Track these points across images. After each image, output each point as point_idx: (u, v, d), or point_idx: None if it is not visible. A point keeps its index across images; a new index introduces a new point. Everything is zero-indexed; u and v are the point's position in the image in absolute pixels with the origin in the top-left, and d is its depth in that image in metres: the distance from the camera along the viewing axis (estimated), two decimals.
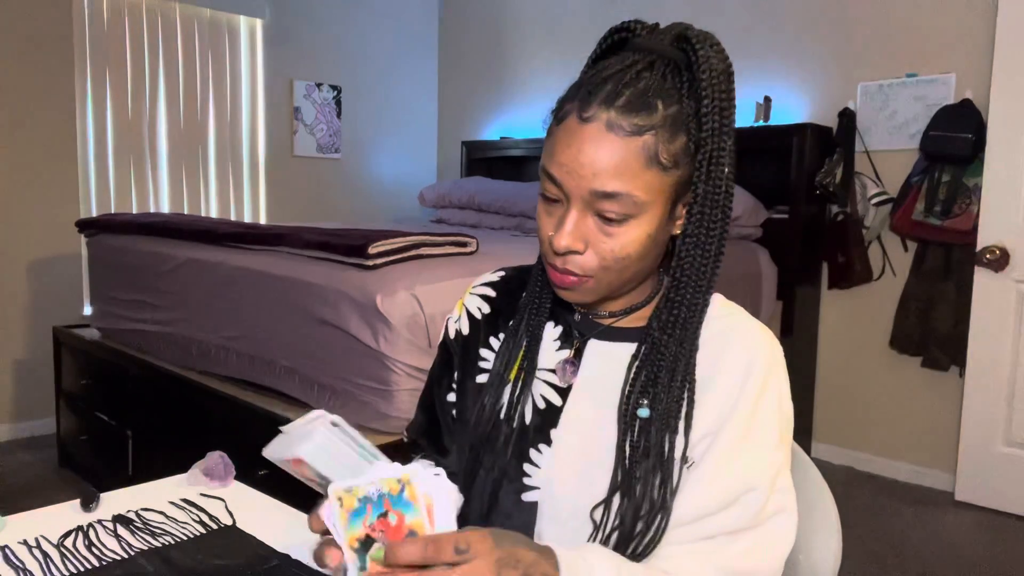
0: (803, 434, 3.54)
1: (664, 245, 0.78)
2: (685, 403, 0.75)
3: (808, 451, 3.55)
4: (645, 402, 0.76)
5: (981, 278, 2.95)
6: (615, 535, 0.74)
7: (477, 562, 0.57)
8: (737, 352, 0.76)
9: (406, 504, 0.57)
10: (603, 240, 0.73)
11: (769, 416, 0.75)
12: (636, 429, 0.76)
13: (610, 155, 0.70)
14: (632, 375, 0.78)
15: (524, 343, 0.85)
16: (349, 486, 0.58)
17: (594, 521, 0.75)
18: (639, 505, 0.74)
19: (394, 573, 0.57)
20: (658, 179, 0.72)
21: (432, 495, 0.58)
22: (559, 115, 0.75)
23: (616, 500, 0.75)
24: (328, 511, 0.59)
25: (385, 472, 0.58)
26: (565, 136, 0.73)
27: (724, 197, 0.75)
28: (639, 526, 0.74)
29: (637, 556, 0.75)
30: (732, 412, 0.74)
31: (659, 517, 0.73)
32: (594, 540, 0.75)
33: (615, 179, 0.70)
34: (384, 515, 0.58)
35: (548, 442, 0.81)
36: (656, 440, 0.75)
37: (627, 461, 0.75)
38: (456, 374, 0.93)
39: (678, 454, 0.75)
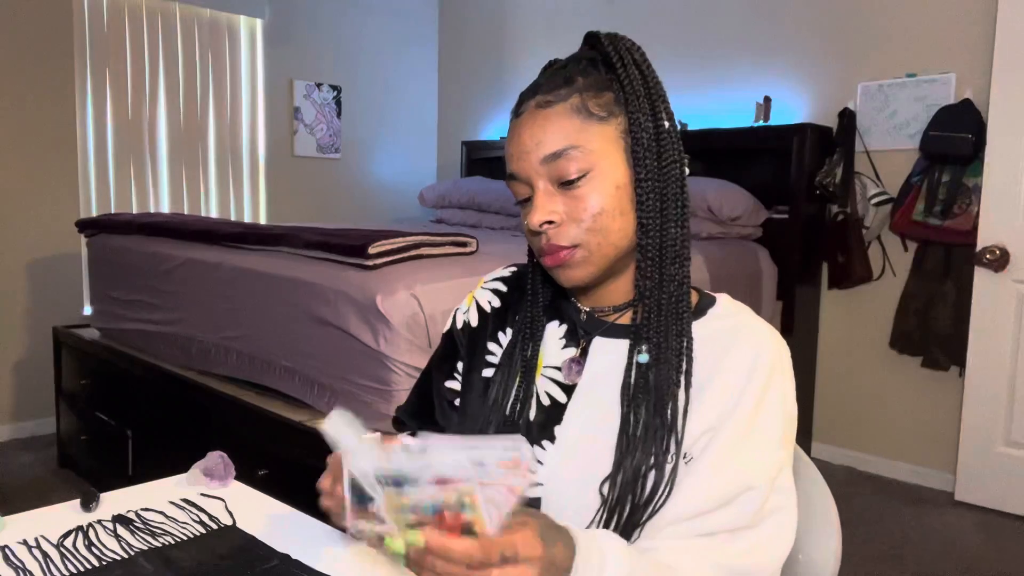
0: (803, 434, 3.54)
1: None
2: (684, 360, 0.77)
3: (808, 451, 3.55)
4: (644, 348, 0.78)
5: (981, 278, 2.95)
6: (619, 504, 0.75)
7: (523, 567, 0.58)
8: (743, 350, 0.77)
9: (465, 508, 0.56)
10: (575, 205, 0.77)
11: (772, 415, 0.76)
12: (640, 389, 0.77)
13: (545, 123, 0.77)
14: (632, 336, 0.80)
15: (524, 353, 0.86)
16: (399, 492, 0.57)
17: (602, 495, 0.76)
18: (643, 463, 0.74)
19: (430, 559, 0.56)
20: (598, 128, 0.77)
21: (494, 503, 0.56)
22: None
23: (622, 472, 0.75)
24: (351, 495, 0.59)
25: (441, 487, 0.56)
26: (509, 137, 0.81)
27: (672, 148, 0.79)
28: (643, 488, 0.74)
29: (640, 522, 0.75)
30: (734, 409, 0.75)
31: (664, 476, 0.74)
32: (601, 513, 0.76)
33: (557, 139, 0.76)
34: (439, 513, 0.57)
35: (552, 439, 0.82)
36: (656, 388, 0.76)
37: (631, 422, 0.76)
38: (461, 364, 0.94)
39: (680, 407, 0.76)
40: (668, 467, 0.74)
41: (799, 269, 3.39)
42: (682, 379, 0.76)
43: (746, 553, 0.72)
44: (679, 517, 0.73)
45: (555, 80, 0.79)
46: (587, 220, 0.77)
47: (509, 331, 0.91)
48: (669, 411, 0.75)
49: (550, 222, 0.77)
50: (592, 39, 0.82)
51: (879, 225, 3.29)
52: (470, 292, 0.98)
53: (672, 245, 0.79)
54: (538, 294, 0.88)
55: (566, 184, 0.76)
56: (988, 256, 2.90)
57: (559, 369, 0.85)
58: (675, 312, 0.78)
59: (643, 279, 0.79)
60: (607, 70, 0.79)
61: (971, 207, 2.99)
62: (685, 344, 0.78)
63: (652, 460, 0.74)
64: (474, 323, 0.94)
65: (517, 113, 0.81)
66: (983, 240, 2.92)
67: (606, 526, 0.75)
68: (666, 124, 0.79)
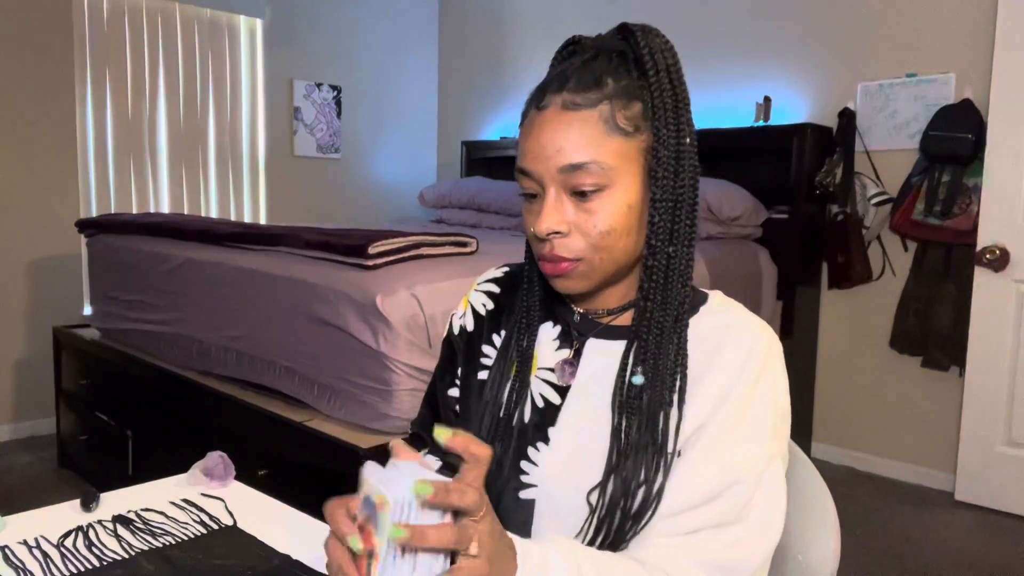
0: (803, 434, 3.54)
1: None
2: (679, 378, 0.76)
3: (808, 451, 3.55)
4: (639, 370, 0.77)
5: (981, 278, 2.95)
6: (609, 515, 0.74)
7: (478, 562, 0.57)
8: (734, 346, 0.77)
9: (378, 524, 0.56)
10: (584, 219, 0.75)
11: (762, 409, 0.75)
12: (632, 403, 0.76)
13: (569, 129, 0.74)
14: (626, 349, 0.79)
15: (521, 344, 0.86)
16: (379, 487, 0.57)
17: (590, 504, 0.76)
18: (632, 478, 0.74)
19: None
20: (622, 144, 0.75)
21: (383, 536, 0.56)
22: (522, 118, 0.80)
23: (611, 482, 0.75)
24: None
25: (384, 484, 0.56)
26: (527, 129, 0.78)
27: (689, 165, 0.77)
28: (635, 502, 0.73)
29: (628, 537, 0.74)
30: (724, 403, 0.74)
31: (655, 493, 0.73)
32: (589, 523, 0.75)
33: (579, 150, 0.74)
34: (367, 519, 0.57)
35: (546, 440, 0.82)
36: (649, 409, 0.75)
37: (623, 436, 0.75)
38: (460, 370, 0.93)
39: (672, 425, 0.75)
40: (656, 485, 0.74)
41: (799, 269, 3.39)
42: (675, 398, 0.76)
43: (730, 547, 0.72)
44: (666, 513, 0.73)
45: (584, 78, 0.75)
46: (594, 236, 0.75)
47: (504, 332, 0.90)
48: (660, 429, 0.75)
49: (557, 232, 0.76)
50: (624, 31, 0.78)
51: (879, 225, 3.29)
52: (464, 295, 0.97)
53: (678, 265, 0.77)
54: (534, 285, 0.87)
55: (578, 195, 0.75)
56: (988, 256, 2.90)
57: (553, 371, 0.84)
58: (674, 331, 0.77)
59: (645, 300, 0.77)
60: (638, 73, 0.76)
61: (971, 207, 2.99)
62: (680, 362, 0.77)
63: (642, 476, 0.74)
64: (470, 327, 0.93)
65: (539, 106, 0.77)
66: (983, 240, 2.92)
67: (595, 534, 0.75)
68: (687, 140, 0.76)
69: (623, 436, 0.76)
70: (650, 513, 0.74)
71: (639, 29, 0.77)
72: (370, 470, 0.59)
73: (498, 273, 0.96)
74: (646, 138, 0.76)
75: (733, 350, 0.76)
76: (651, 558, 0.72)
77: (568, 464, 0.80)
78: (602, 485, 0.75)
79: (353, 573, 0.58)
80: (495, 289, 0.94)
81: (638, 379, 0.77)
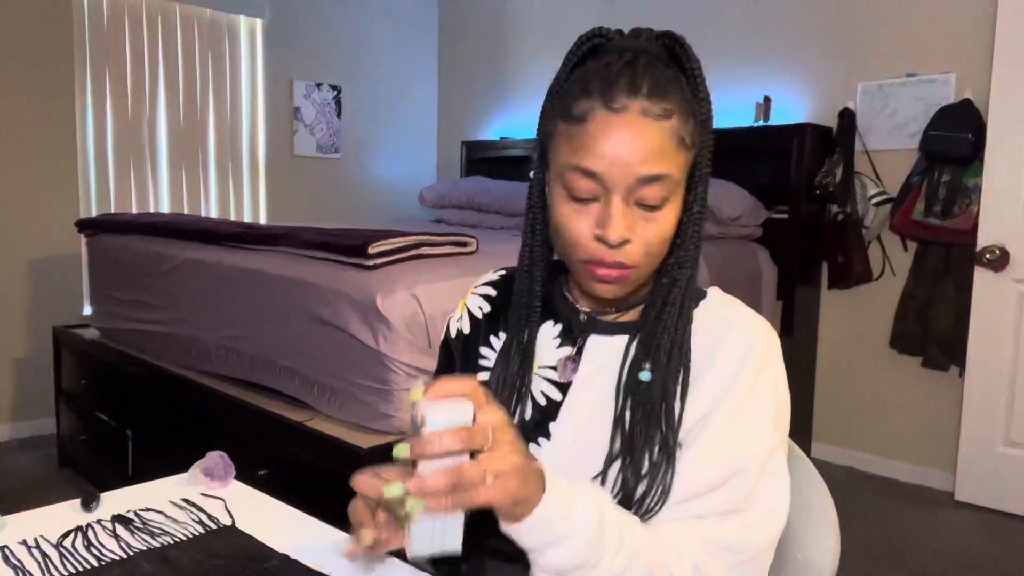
0: (803, 434, 3.54)
1: None
2: (682, 372, 0.78)
3: (808, 451, 3.55)
4: (647, 365, 0.78)
5: (981, 278, 2.95)
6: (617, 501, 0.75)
7: (504, 449, 0.62)
8: (734, 340, 0.78)
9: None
10: (645, 227, 0.75)
11: (764, 400, 0.76)
12: (638, 393, 0.77)
13: (652, 139, 0.72)
14: (634, 343, 0.80)
15: (521, 347, 0.86)
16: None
17: None
18: (640, 467, 0.75)
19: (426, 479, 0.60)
20: (685, 159, 0.76)
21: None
22: (575, 115, 0.74)
23: (614, 469, 0.76)
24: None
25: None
26: (598, 129, 0.72)
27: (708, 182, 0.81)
28: (640, 489, 0.75)
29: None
30: (726, 395, 0.76)
31: (660, 479, 0.74)
32: None
33: (659, 161, 0.73)
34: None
35: (547, 436, 0.82)
36: (656, 402, 0.76)
37: (627, 426, 0.76)
38: (456, 372, 0.93)
39: (675, 418, 0.76)
40: (662, 476, 0.75)
41: (799, 269, 3.39)
42: (677, 390, 0.77)
43: (736, 531, 0.73)
44: (671, 502, 0.74)
45: (655, 87, 0.73)
46: (653, 245, 0.76)
47: (502, 335, 0.90)
48: (665, 422, 0.76)
49: (628, 240, 0.75)
50: (674, 43, 0.77)
51: (879, 225, 3.29)
52: (461, 299, 0.98)
53: (693, 273, 0.80)
54: (536, 284, 0.86)
55: (644, 204, 0.74)
56: (988, 256, 2.90)
57: (554, 368, 0.85)
58: (683, 331, 0.79)
59: (664, 304, 0.79)
60: (689, 91, 0.76)
61: (971, 207, 2.99)
62: (683, 361, 0.78)
63: (645, 468, 0.75)
64: (466, 330, 0.94)
65: (613, 107, 0.72)
66: (983, 240, 2.92)
67: None
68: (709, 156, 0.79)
69: (626, 426, 0.76)
70: (658, 505, 0.75)
71: (686, 44, 0.77)
72: (421, 393, 0.63)
73: (495, 276, 0.97)
74: (692, 155, 0.77)
75: (733, 344, 0.77)
76: (659, 535, 0.74)
77: (570, 456, 0.80)
78: (603, 474, 0.76)
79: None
80: (492, 292, 0.95)
81: (645, 375, 0.78)
